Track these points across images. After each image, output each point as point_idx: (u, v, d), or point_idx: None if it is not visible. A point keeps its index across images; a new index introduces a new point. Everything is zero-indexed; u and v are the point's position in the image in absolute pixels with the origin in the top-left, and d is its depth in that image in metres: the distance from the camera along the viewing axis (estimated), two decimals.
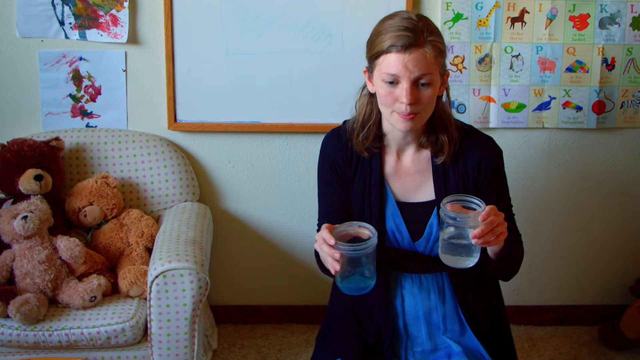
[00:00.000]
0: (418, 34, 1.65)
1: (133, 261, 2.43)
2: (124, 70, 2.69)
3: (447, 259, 1.62)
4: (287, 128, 2.74)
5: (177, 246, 2.26)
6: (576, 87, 2.72)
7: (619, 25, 2.67)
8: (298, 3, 2.62)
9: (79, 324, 2.19)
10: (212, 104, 2.70)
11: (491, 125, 2.75)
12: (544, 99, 2.74)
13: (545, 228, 2.88)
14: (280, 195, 2.84)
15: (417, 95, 1.67)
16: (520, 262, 1.83)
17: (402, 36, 1.64)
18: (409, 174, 1.83)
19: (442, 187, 1.79)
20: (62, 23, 2.62)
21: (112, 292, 2.36)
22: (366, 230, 1.62)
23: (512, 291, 2.92)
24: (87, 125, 2.72)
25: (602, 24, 2.67)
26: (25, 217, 2.27)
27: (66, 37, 2.63)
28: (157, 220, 2.61)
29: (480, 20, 2.66)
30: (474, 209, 1.59)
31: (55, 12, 2.61)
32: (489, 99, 2.73)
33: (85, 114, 2.71)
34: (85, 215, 2.49)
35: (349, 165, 1.84)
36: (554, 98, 2.74)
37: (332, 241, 1.58)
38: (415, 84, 1.67)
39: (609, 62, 2.71)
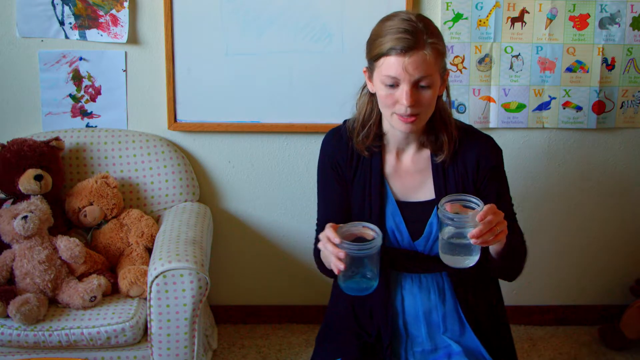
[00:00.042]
0: (418, 36, 1.65)
1: (133, 261, 2.43)
2: (124, 70, 2.69)
3: (447, 259, 1.62)
4: (287, 128, 2.74)
5: (177, 246, 2.26)
6: (576, 87, 2.72)
7: (619, 25, 2.67)
8: (298, 3, 2.62)
9: (79, 324, 2.19)
10: (212, 104, 2.70)
11: (491, 125, 2.75)
12: (544, 99, 2.74)
13: (545, 228, 2.88)
14: (280, 195, 2.84)
15: (417, 97, 1.68)
16: (524, 261, 1.83)
17: (401, 39, 1.64)
18: (409, 174, 1.83)
19: (442, 187, 1.79)
20: (62, 23, 2.62)
21: (112, 292, 2.36)
22: (370, 231, 1.62)
23: (512, 291, 2.92)
24: (87, 125, 2.72)
25: (602, 24, 2.67)
26: (25, 217, 2.27)
27: (66, 37, 2.63)
28: (157, 220, 2.61)
29: (480, 20, 2.66)
30: (473, 209, 1.59)
31: (55, 12, 2.61)
32: (489, 99, 2.73)
33: (85, 114, 2.71)
34: (85, 215, 2.49)
35: (349, 165, 1.84)
36: (554, 98, 2.74)
37: (337, 240, 1.57)
38: (415, 86, 1.67)
39: (609, 62, 2.71)
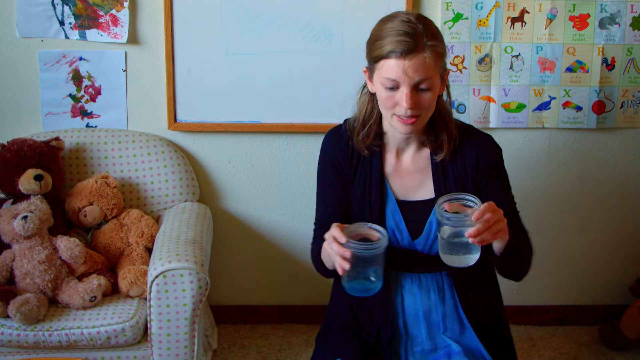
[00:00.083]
0: (418, 38, 1.64)
1: (133, 261, 2.43)
2: (124, 70, 2.69)
3: (448, 259, 1.62)
4: (287, 128, 2.74)
5: (177, 246, 2.26)
6: (576, 87, 2.72)
7: (619, 25, 2.67)
8: (298, 3, 2.62)
9: (79, 324, 2.19)
10: (212, 104, 2.70)
11: (491, 125, 2.75)
12: (544, 99, 2.74)
13: (545, 228, 2.88)
14: (280, 195, 2.84)
15: (417, 99, 1.68)
16: (530, 259, 1.81)
17: (401, 41, 1.64)
18: (409, 173, 1.83)
19: (442, 186, 1.79)
20: (62, 23, 2.62)
21: (112, 292, 2.36)
22: (376, 232, 1.62)
23: (512, 291, 2.92)
24: (87, 125, 2.72)
25: (602, 24, 2.67)
26: (25, 217, 2.27)
27: (66, 37, 2.63)
28: (157, 220, 2.61)
29: (480, 20, 2.66)
30: (472, 207, 1.59)
31: (55, 12, 2.61)
32: (489, 99, 2.73)
33: (85, 114, 2.71)
34: (85, 215, 2.49)
35: (349, 164, 1.85)
36: (554, 98, 2.74)
37: (343, 239, 1.57)
38: (415, 89, 1.67)
39: (609, 62, 2.71)
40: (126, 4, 2.60)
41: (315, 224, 1.94)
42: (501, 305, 1.94)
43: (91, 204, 2.50)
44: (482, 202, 1.59)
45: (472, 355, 1.79)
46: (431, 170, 1.82)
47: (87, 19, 2.61)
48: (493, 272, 1.95)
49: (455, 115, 1.89)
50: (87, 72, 2.67)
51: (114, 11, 2.61)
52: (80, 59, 2.66)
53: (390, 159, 1.84)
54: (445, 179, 1.80)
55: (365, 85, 1.84)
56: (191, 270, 2.15)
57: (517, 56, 2.69)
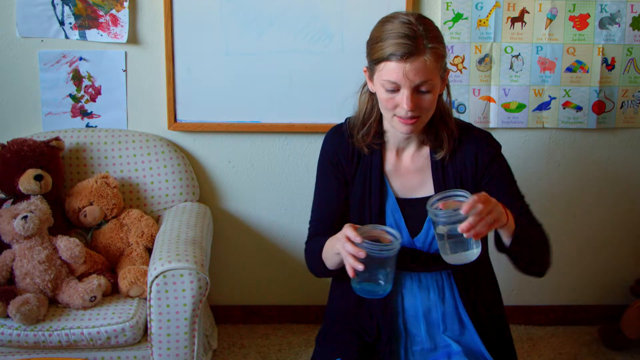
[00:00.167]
0: (418, 41, 1.64)
1: (133, 261, 2.43)
2: (124, 70, 2.69)
3: (449, 258, 1.61)
4: (287, 128, 2.74)
5: (177, 246, 2.26)
6: (576, 87, 2.73)
7: (619, 25, 2.67)
8: (298, 3, 2.62)
9: (79, 324, 2.19)
10: (212, 104, 2.71)
11: (491, 125, 2.75)
12: (544, 99, 2.74)
13: (545, 228, 2.87)
14: (280, 195, 2.84)
15: (417, 101, 1.68)
16: (547, 250, 1.78)
17: (401, 44, 1.64)
18: (409, 172, 1.84)
19: (442, 183, 1.80)
20: (62, 23, 2.62)
21: (112, 292, 2.36)
22: (388, 235, 1.62)
23: (512, 291, 2.92)
24: (87, 125, 2.72)
25: (602, 24, 2.67)
26: (25, 217, 2.27)
27: (66, 37, 2.63)
28: (157, 220, 2.61)
29: (480, 20, 2.66)
30: (464, 202, 1.57)
31: (55, 12, 2.61)
32: (489, 99, 2.73)
33: (85, 114, 2.71)
34: (85, 215, 2.49)
35: (350, 163, 1.85)
36: (554, 98, 2.74)
37: (358, 239, 1.57)
38: (415, 91, 1.67)
39: (609, 62, 2.71)
40: (126, 4, 2.60)
41: (310, 222, 1.94)
42: (501, 305, 1.94)
43: (91, 204, 2.50)
44: None
45: (472, 354, 1.79)
46: (431, 168, 1.82)
47: (87, 19, 2.61)
48: (493, 271, 1.95)
49: (455, 115, 1.89)
50: (87, 72, 2.67)
51: (114, 11, 2.61)
52: (80, 59, 2.66)
53: (390, 157, 1.85)
54: (445, 177, 1.81)
55: (365, 84, 1.84)
56: (191, 270, 2.15)
57: (517, 56, 2.69)
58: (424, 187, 1.82)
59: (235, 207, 2.85)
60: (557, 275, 2.96)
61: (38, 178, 2.40)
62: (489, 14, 2.65)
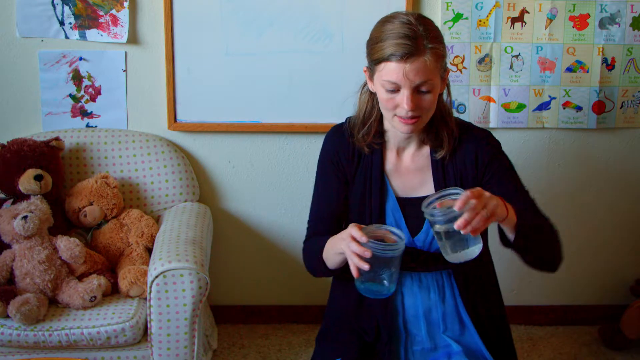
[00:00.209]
0: (418, 42, 1.64)
1: (133, 261, 2.43)
2: (124, 70, 2.69)
3: (451, 258, 1.60)
4: (287, 128, 2.74)
5: (177, 246, 2.26)
6: (576, 87, 2.73)
7: (619, 25, 2.67)
8: (298, 3, 2.62)
9: (79, 324, 2.19)
10: (212, 104, 2.71)
11: (491, 125, 2.75)
12: (544, 99, 2.74)
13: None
14: (280, 195, 2.84)
15: (417, 101, 1.68)
16: (556, 242, 1.76)
17: (401, 45, 1.64)
18: (409, 172, 1.84)
19: (442, 183, 1.80)
20: (62, 23, 2.62)
21: (112, 292, 2.36)
22: (393, 235, 1.62)
23: (512, 291, 2.92)
24: (87, 125, 2.72)
25: (602, 24, 2.67)
26: (25, 217, 2.27)
27: (66, 37, 2.63)
28: (157, 220, 2.61)
29: (480, 20, 2.66)
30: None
31: (55, 12, 2.61)
32: (489, 99, 2.73)
33: (85, 114, 2.71)
34: (85, 215, 2.49)
35: (350, 162, 1.85)
36: (554, 98, 2.74)
37: (363, 239, 1.57)
38: (415, 91, 1.67)
39: (609, 62, 2.71)
40: (126, 4, 2.60)
41: (309, 222, 1.94)
42: (502, 305, 1.94)
43: (91, 204, 2.50)
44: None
45: (472, 354, 1.79)
46: (431, 168, 1.82)
47: (87, 19, 2.61)
48: (494, 271, 1.95)
49: (455, 115, 1.89)
50: (87, 72, 2.67)
51: (114, 11, 2.61)
52: (80, 59, 2.66)
53: (390, 157, 1.85)
54: (445, 176, 1.81)
55: (365, 84, 1.84)
56: (191, 270, 2.15)
57: (517, 56, 2.69)
58: (424, 187, 1.82)
59: (235, 207, 2.85)
60: (557, 275, 2.94)
61: (38, 178, 2.40)
62: (489, 14, 2.65)
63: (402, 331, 1.83)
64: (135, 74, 2.69)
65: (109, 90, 2.70)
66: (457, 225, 1.50)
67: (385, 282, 1.62)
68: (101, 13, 2.61)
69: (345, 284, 1.87)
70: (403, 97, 1.67)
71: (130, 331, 2.18)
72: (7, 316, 2.18)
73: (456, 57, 2.69)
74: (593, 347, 2.85)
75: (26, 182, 2.39)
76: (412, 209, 1.81)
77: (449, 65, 2.62)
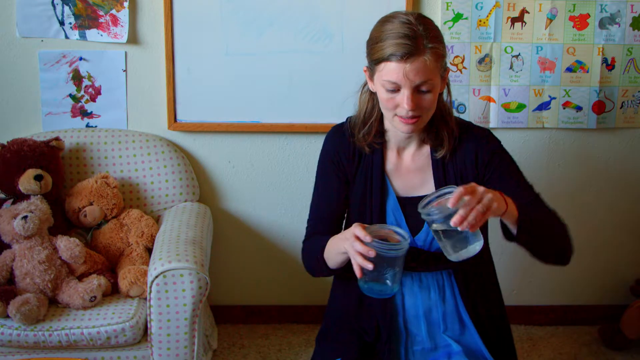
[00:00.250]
0: (418, 41, 1.64)
1: (133, 261, 2.43)
2: (124, 70, 2.69)
3: (452, 257, 1.60)
4: (287, 128, 2.74)
5: (177, 246, 2.26)
6: (576, 87, 2.73)
7: (619, 25, 2.67)
8: (298, 3, 2.62)
9: (79, 324, 2.19)
10: (212, 104, 2.71)
11: (491, 125, 2.75)
12: (544, 99, 2.74)
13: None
14: (280, 195, 2.84)
15: (418, 101, 1.68)
16: (564, 234, 1.73)
17: (401, 45, 1.64)
18: (410, 171, 1.84)
19: (442, 182, 1.80)
20: (62, 23, 2.62)
21: (112, 292, 2.36)
22: (396, 235, 1.62)
23: (512, 291, 2.92)
24: (87, 125, 2.72)
25: (602, 24, 2.67)
26: (25, 217, 2.27)
27: (66, 37, 2.63)
28: (157, 220, 2.61)
29: (480, 20, 2.66)
30: None
31: (55, 12, 2.61)
32: (489, 99, 2.73)
33: (85, 114, 2.71)
34: (85, 215, 2.49)
35: (351, 162, 1.85)
36: (554, 98, 2.74)
37: (367, 238, 1.57)
38: (415, 91, 1.67)
39: (609, 62, 2.71)
40: (126, 4, 2.60)
41: (308, 221, 1.94)
42: (502, 305, 1.94)
43: (91, 204, 2.50)
44: None
45: (473, 354, 1.79)
46: (432, 167, 1.82)
47: (87, 19, 2.61)
48: (494, 270, 1.95)
49: (455, 115, 1.89)
50: (87, 72, 2.67)
51: (114, 11, 2.61)
52: (80, 59, 2.66)
53: (391, 156, 1.85)
54: (446, 176, 1.81)
55: (365, 84, 1.84)
56: (191, 270, 2.15)
57: (517, 56, 2.69)
58: (424, 186, 1.82)
59: (235, 207, 2.85)
60: (557, 275, 2.96)
61: (38, 178, 2.40)
62: (489, 14, 2.65)
63: (402, 331, 1.83)
64: (135, 74, 2.69)
65: (109, 90, 2.70)
66: (452, 222, 1.50)
67: (388, 281, 1.62)
68: (101, 13, 2.61)
69: (346, 284, 1.87)
70: (403, 97, 1.67)
71: (130, 331, 2.18)
72: (7, 316, 2.18)
73: (456, 57, 2.69)
74: (593, 347, 2.85)
75: (26, 182, 2.39)
76: (412, 208, 1.80)
77: (449, 65, 2.62)
